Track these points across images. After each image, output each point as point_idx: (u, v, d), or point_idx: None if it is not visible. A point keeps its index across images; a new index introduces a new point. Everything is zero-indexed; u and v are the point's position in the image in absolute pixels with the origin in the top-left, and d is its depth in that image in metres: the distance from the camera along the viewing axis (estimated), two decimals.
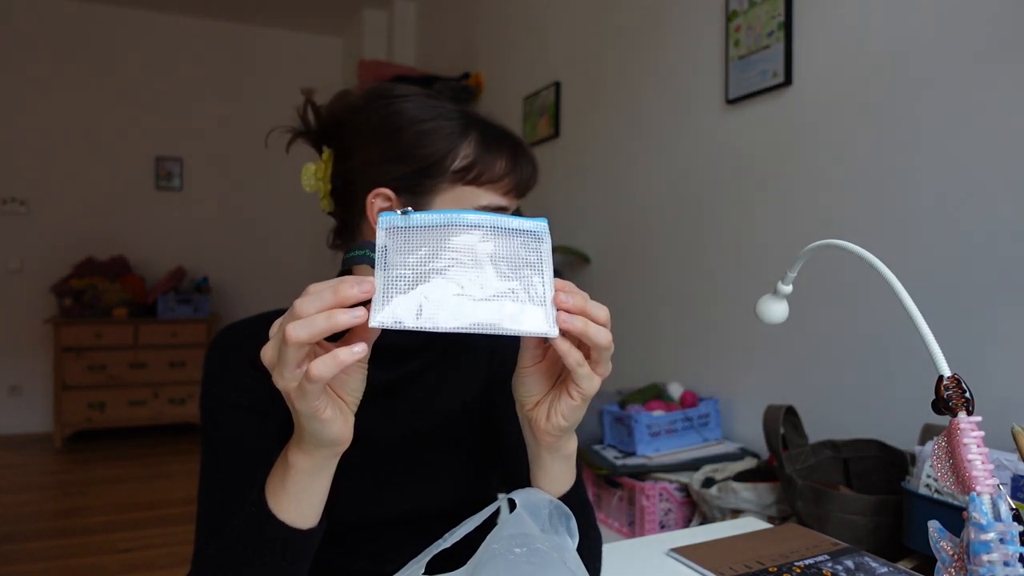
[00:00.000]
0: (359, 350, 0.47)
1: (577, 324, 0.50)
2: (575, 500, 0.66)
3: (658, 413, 1.83)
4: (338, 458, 0.57)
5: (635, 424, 1.78)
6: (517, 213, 0.82)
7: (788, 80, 1.72)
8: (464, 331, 0.47)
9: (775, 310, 0.69)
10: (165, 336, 4.24)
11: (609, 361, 0.54)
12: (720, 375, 1.98)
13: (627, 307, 2.38)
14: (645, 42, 2.28)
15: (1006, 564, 0.45)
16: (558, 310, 0.50)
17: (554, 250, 2.84)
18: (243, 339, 0.79)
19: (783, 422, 1.43)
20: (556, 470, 0.63)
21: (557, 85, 2.81)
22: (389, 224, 0.48)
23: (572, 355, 0.51)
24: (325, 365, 0.46)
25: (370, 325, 0.46)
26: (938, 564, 0.49)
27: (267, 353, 0.49)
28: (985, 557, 0.45)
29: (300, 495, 0.57)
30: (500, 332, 0.48)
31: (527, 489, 0.58)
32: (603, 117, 2.52)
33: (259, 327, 0.82)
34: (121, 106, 4.57)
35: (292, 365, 0.47)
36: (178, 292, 4.39)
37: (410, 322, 0.46)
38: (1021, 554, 0.45)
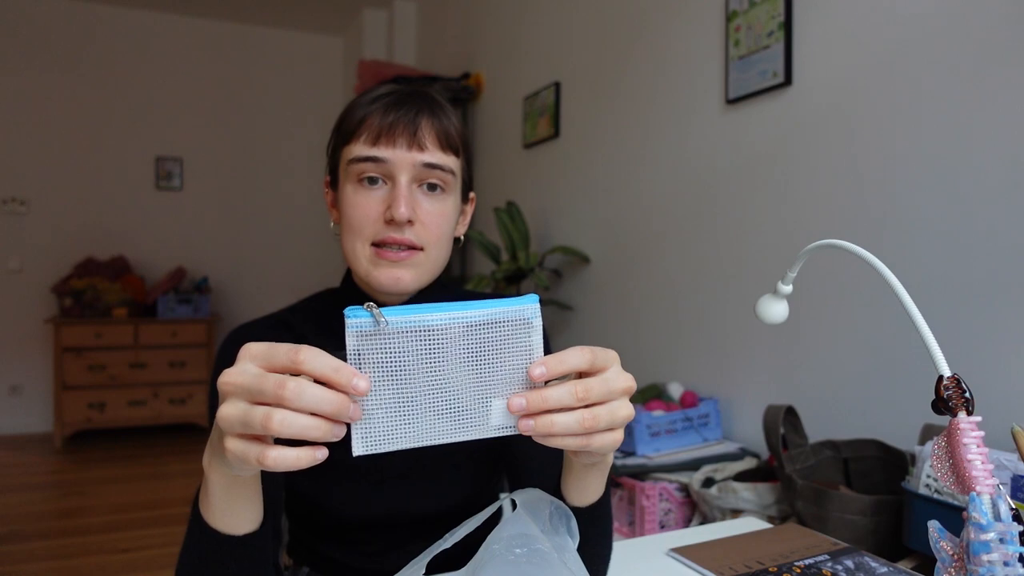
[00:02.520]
0: (322, 456, 0.44)
1: (536, 428, 0.47)
2: (599, 512, 0.65)
3: (658, 413, 1.83)
4: (257, 476, 0.55)
5: (635, 424, 1.78)
6: (466, 182, 0.81)
7: (788, 80, 1.72)
8: (441, 443, 0.47)
9: (775, 310, 0.69)
10: (165, 336, 4.24)
11: (620, 412, 0.49)
12: (720, 375, 1.98)
13: (627, 307, 2.38)
14: (645, 42, 2.29)
15: (1006, 564, 0.45)
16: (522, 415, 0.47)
17: (554, 250, 2.82)
18: (253, 338, 0.80)
19: (783, 422, 1.43)
20: (592, 480, 0.62)
21: (557, 85, 2.81)
22: (359, 328, 0.44)
23: (567, 444, 0.48)
24: (286, 460, 0.43)
25: (355, 454, 0.45)
26: (938, 564, 0.49)
27: (235, 379, 0.44)
28: (985, 557, 0.45)
29: (222, 506, 0.55)
30: (486, 436, 0.47)
31: (527, 489, 0.58)
32: (603, 117, 2.52)
33: (269, 327, 0.83)
34: (121, 106, 4.57)
35: (247, 432, 0.44)
36: (178, 292, 4.38)
37: (389, 447, 0.45)
38: (1021, 554, 0.45)
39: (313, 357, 0.43)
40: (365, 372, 0.44)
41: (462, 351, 0.46)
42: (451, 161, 0.75)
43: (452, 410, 0.47)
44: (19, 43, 4.33)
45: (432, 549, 0.56)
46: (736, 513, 1.50)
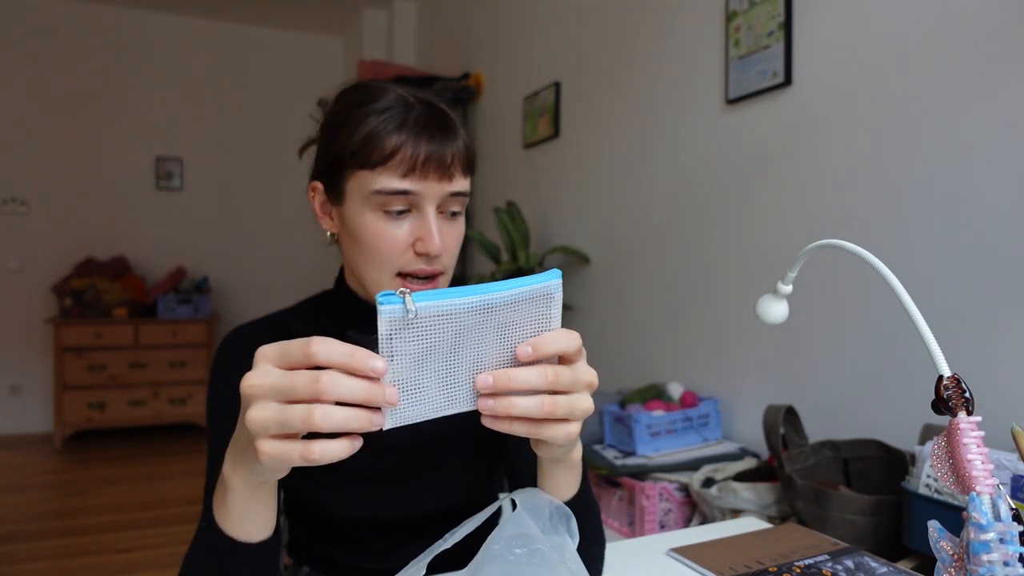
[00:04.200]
0: (358, 445, 0.45)
1: (495, 408, 0.48)
2: (579, 503, 0.65)
3: (658, 413, 1.83)
4: (276, 481, 0.55)
5: (635, 424, 1.78)
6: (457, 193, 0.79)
7: (788, 80, 1.72)
8: (461, 412, 0.49)
9: (775, 310, 0.69)
10: (165, 336, 4.24)
11: (580, 403, 0.50)
12: (720, 375, 1.98)
13: (627, 307, 2.38)
14: (645, 42, 2.29)
15: (1006, 564, 0.45)
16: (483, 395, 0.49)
17: (554, 250, 2.81)
18: (251, 341, 0.80)
19: (783, 422, 1.43)
20: (560, 477, 0.63)
21: (557, 85, 2.81)
22: (391, 315, 0.45)
23: (516, 429, 0.49)
24: (332, 452, 0.44)
25: (384, 428, 0.46)
26: (938, 564, 0.49)
27: (259, 381, 0.45)
28: (985, 557, 0.45)
29: (242, 513, 0.55)
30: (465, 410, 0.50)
31: (527, 489, 0.58)
32: (603, 117, 2.52)
33: (267, 328, 0.83)
34: (121, 106, 4.57)
35: (286, 431, 0.44)
36: (178, 292, 4.39)
37: (414, 419, 0.48)
38: (1021, 554, 0.45)
39: (326, 348, 0.44)
40: (394, 354, 0.46)
41: (487, 330, 0.48)
42: (468, 183, 0.75)
43: (467, 384, 0.49)
44: (19, 43, 4.33)
45: (432, 549, 0.56)
46: (736, 513, 1.50)
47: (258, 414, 0.45)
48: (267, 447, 0.45)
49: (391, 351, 0.46)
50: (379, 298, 0.45)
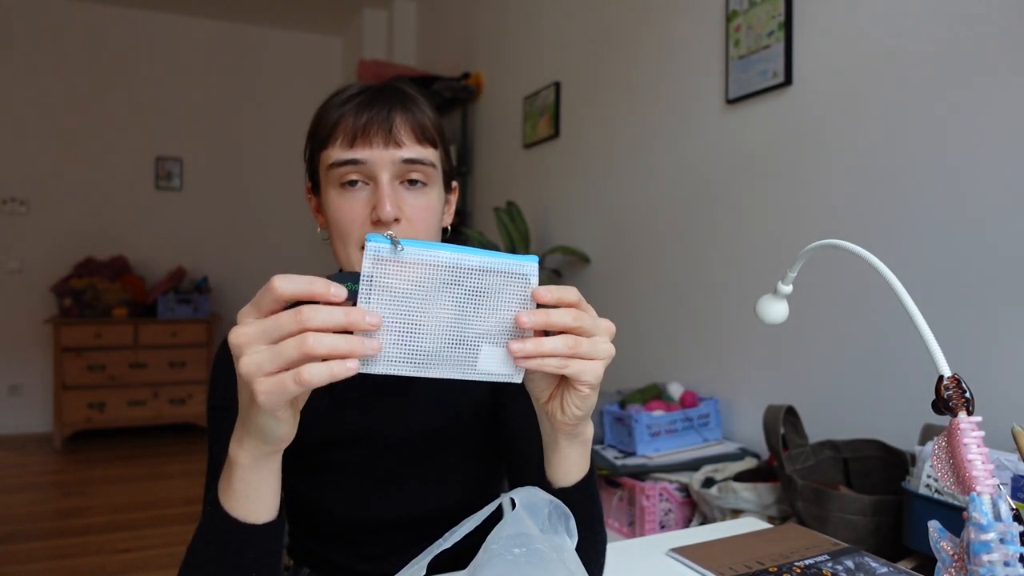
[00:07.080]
0: (353, 367, 0.47)
1: (525, 348, 0.50)
2: (588, 491, 0.65)
3: (658, 413, 1.83)
4: (280, 453, 0.56)
5: (635, 424, 1.78)
6: (449, 170, 0.81)
7: (788, 80, 1.72)
8: (436, 377, 0.50)
9: (775, 310, 0.69)
10: (165, 336, 4.24)
11: (601, 344, 0.54)
12: (720, 375, 1.97)
13: (627, 307, 2.38)
14: (645, 42, 2.28)
15: (1006, 564, 0.45)
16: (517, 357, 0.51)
17: (554, 250, 2.80)
18: None
19: (783, 422, 1.43)
20: (574, 456, 0.63)
21: (557, 85, 2.81)
22: (376, 253, 0.47)
23: (548, 365, 0.52)
24: (320, 375, 0.46)
25: (373, 371, 0.48)
26: (938, 564, 0.49)
27: (241, 336, 0.48)
28: (985, 557, 0.45)
29: (247, 491, 0.56)
30: (470, 378, 0.51)
31: (526, 488, 0.58)
32: (603, 117, 2.52)
33: None
34: (121, 106, 4.57)
35: (282, 363, 0.47)
36: (178, 292, 4.38)
37: (384, 370, 0.49)
38: (1021, 554, 0.45)
39: (315, 314, 0.46)
40: (374, 297, 0.48)
41: (462, 290, 0.50)
42: (430, 154, 0.75)
43: (446, 345, 0.50)
44: (19, 43, 4.33)
45: (432, 548, 0.56)
46: (736, 513, 1.50)
47: (250, 358, 0.47)
48: (264, 385, 0.47)
49: (370, 292, 0.47)
50: (368, 236, 0.47)
